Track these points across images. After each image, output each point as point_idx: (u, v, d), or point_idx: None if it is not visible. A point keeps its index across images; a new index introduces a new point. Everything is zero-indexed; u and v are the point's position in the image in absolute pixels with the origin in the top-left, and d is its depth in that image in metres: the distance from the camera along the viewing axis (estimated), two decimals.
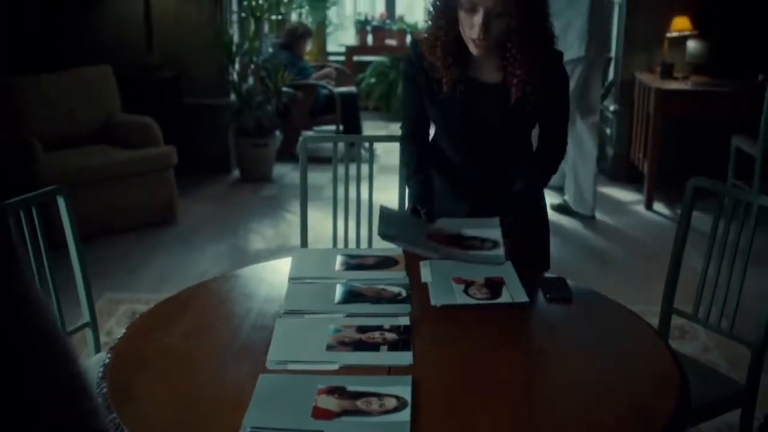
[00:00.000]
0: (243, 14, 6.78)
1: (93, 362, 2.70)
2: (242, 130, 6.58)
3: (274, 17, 7.06)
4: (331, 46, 9.10)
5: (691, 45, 6.24)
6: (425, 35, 2.42)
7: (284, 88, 6.63)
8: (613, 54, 6.75)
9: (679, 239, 2.79)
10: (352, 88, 7.61)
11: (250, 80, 6.70)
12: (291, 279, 2.47)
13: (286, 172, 6.88)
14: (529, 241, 2.60)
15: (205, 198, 6.15)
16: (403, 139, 2.69)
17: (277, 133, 6.97)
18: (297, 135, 7.29)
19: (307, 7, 8.18)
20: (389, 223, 2.49)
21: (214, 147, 6.64)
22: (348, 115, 7.15)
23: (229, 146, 6.72)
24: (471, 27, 2.28)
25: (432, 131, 2.70)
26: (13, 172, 4.86)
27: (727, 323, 2.67)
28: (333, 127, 7.36)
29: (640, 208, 6.01)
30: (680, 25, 6.17)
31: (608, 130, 6.91)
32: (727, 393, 2.56)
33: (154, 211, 5.48)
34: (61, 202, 2.64)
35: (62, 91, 5.57)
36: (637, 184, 6.43)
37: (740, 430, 2.45)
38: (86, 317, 2.73)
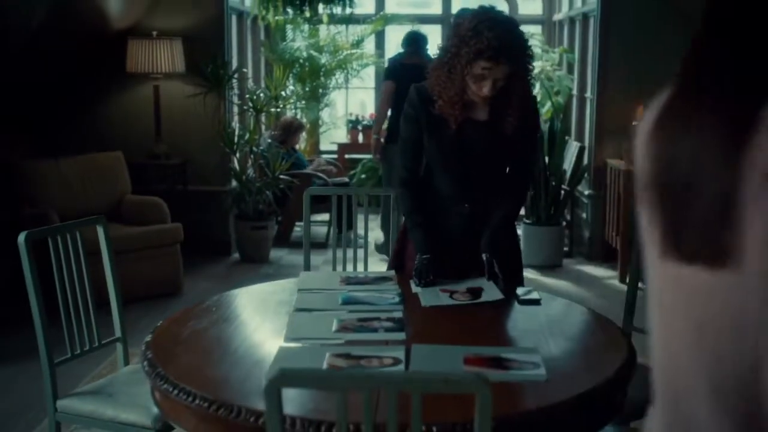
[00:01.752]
0: (245, 107, 7.33)
1: (123, 372, 3.07)
2: (242, 215, 7.03)
3: (273, 110, 7.61)
4: (324, 145, 9.67)
5: None
6: (437, 87, 2.88)
7: (282, 176, 7.11)
8: (586, 143, 7.31)
9: (634, 265, 3.21)
10: (344, 179, 8.12)
11: (250, 168, 7.19)
12: (300, 290, 2.88)
13: (283, 255, 7.29)
14: (504, 261, 3.01)
15: (208, 275, 6.54)
16: (404, 182, 3.10)
17: (276, 220, 7.41)
18: (293, 222, 7.74)
19: (302, 105, 8.77)
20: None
21: (215, 230, 7.07)
22: (341, 205, 7.59)
23: (230, 229, 7.15)
24: (480, 89, 2.78)
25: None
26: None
27: None
28: (327, 215, 7.79)
29: (614, 282, 6.43)
30: None
31: (584, 214, 7.40)
32: None
33: (161, 283, 5.86)
34: (100, 231, 3.06)
35: (78, 174, 6.04)
36: (612, 262, 6.85)
37: None
38: (118, 333, 3.11)
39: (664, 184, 0.97)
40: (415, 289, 2.87)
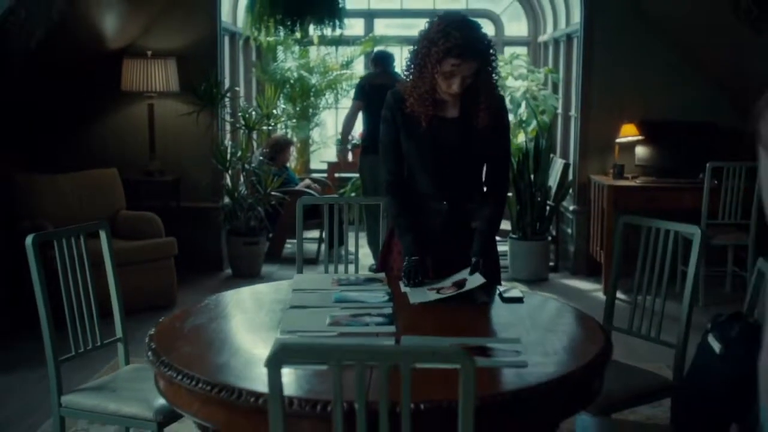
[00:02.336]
0: (237, 125, 7.49)
1: (124, 370, 3.20)
2: (234, 231, 7.16)
3: (264, 128, 7.76)
4: (314, 163, 9.82)
5: (639, 150, 6.99)
6: (409, 87, 3.05)
7: (273, 193, 7.25)
8: (571, 159, 7.49)
9: (615, 267, 3.37)
10: (334, 196, 8.27)
11: (242, 185, 7.33)
12: (294, 290, 3.02)
13: (274, 270, 7.41)
14: (487, 262, 3.16)
15: (201, 289, 6.64)
16: (389, 184, 3.25)
17: (267, 237, 7.54)
18: (284, 238, 7.88)
19: (293, 123, 8.94)
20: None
21: (208, 245, 7.19)
22: (332, 221, 7.73)
23: (222, 245, 7.27)
24: (449, 86, 2.97)
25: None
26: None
27: (654, 332, 3.23)
28: (317, 232, 7.93)
29: (599, 294, 6.58)
30: (628, 131, 6.93)
31: (569, 230, 7.56)
32: (661, 385, 3.09)
33: (156, 296, 5.97)
34: (102, 235, 3.20)
35: (75, 189, 6.17)
36: (597, 276, 7.01)
37: (671, 410, 2.93)
38: (119, 333, 3.24)
39: None
40: (404, 288, 3.01)
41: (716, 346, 2.39)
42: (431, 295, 2.89)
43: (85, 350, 3.08)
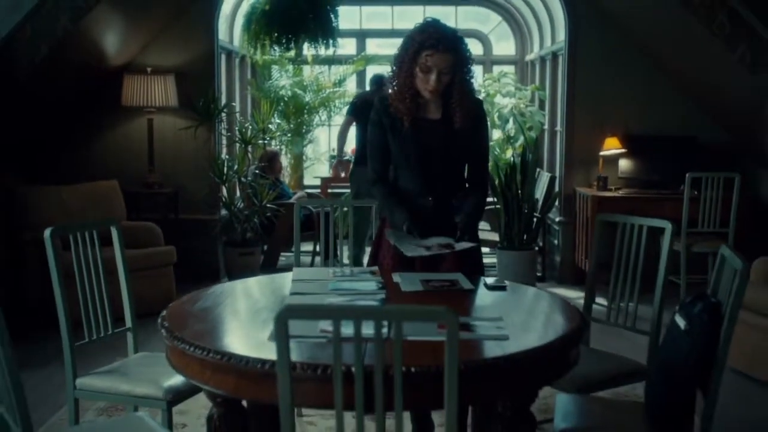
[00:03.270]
0: (235, 139, 7.72)
1: (134, 357, 3.40)
2: (230, 241, 7.37)
3: (260, 142, 8.00)
4: (308, 179, 10.04)
5: (622, 163, 7.25)
6: (392, 91, 3.30)
7: (268, 205, 7.48)
8: (557, 173, 7.74)
9: (594, 261, 3.61)
10: (327, 209, 8.48)
11: (238, 198, 7.55)
12: (294, 280, 3.24)
13: None
14: (470, 255, 3.38)
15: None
16: (375, 182, 3.51)
17: (261, 249, 7.76)
18: (279, 249, 8.09)
19: (288, 138, 9.18)
20: (397, 236, 3.31)
21: (205, 256, 7.40)
22: (327, 233, 7.95)
23: (219, 255, 7.48)
24: (427, 82, 3.22)
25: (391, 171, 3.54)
26: (39, 263, 5.57)
27: (630, 322, 3.47)
28: (310, 245, 8.14)
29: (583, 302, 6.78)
30: (611, 144, 7.19)
31: (555, 241, 7.80)
32: (635, 368, 3.32)
33: (155, 303, 6.13)
34: (114, 232, 3.42)
35: (77, 201, 6.38)
36: (582, 285, 7.21)
37: (645, 392, 3.11)
38: (129, 323, 3.45)
39: None
40: (396, 278, 3.23)
41: (682, 323, 2.61)
42: (422, 286, 3.10)
43: (98, 337, 3.29)
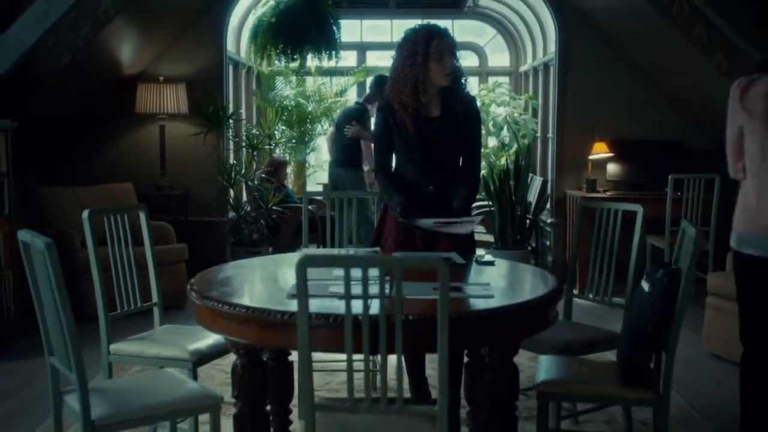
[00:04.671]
0: (242, 144, 8.12)
1: (159, 329, 3.78)
2: (238, 242, 7.75)
3: (266, 147, 8.39)
4: (310, 186, 10.42)
5: (610, 166, 7.64)
6: (396, 90, 3.69)
7: (274, 208, 7.85)
8: (549, 177, 8.13)
9: (576, 240, 3.99)
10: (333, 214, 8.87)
11: (245, 201, 7.94)
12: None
13: None
14: (465, 239, 3.76)
15: None
16: (377, 172, 3.89)
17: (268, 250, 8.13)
18: (284, 250, 8.45)
19: (292, 144, 9.57)
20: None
21: (214, 256, 7.74)
22: (332, 233, 8.31)
23: (227, 256, 7.85)
24: (444, 67, 3.63)
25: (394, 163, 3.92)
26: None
27: (607, 299, 3.85)
28: (314, 246, 8.51)
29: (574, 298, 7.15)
30: (599, 149, 7.59)
31: (547, 241, 8.18)
32: (610, 336, 3.69)
33: (168, 297, 6.48)
34: (141, 215, 3.80)
35: (94, 202, 6.73)
36: (573, 282, 7.59)
37: (618, 355, 3.47)
38: (155, 299, 3.82)
39: None
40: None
41: (646, 287, 2.99)
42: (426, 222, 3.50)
43: (128, 309, 3.66)
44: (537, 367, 3.29)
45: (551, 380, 3.08)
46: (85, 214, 3.49)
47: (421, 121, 3.73)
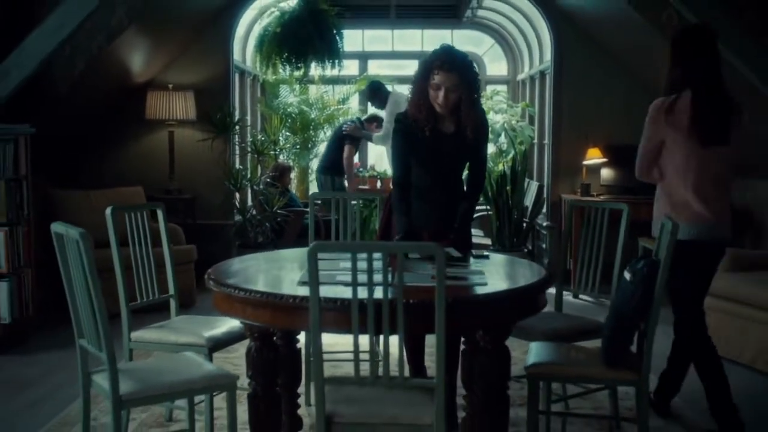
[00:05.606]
0: (248, 149, 8.40)
1: (176, 318, 4.03)
2: (244, 245, 8.01)
3: (271, 153, 8.67)
4: (313, 190, 10.68)
5: (604, 171, 7.91)
6: (412, 105, 3.91)
7: (278, 211, 8.11)
8: (545, 182, 8.40)
9: (566, 235, 4.25)
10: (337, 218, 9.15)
11: (250, 204, 8.20)
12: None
13: None
14: (463, 237, 4.01)
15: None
16: (396, 185, 4.03)
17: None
18: None
19: (296, 150, 9.84)
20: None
21: (221, 258, 7.98)
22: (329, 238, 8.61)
23: (233, 257, 8.10)
24: (437, 98, 3.80)
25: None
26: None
27: (594, 293, 4.11)
28: None
29: (569, 298, 7.41)
30: (594, 154, 7.86)
31: (543, 244, 8.44)
32: (597, 326, 3.94)
33: (179, 295, 6.78)
34: (159, 213, 4.07)
35: (106, 204, 6.89)
36: (568, 284, 7.85)
37: (602, 339, 3.72)
38: (172, 290, 4.08)
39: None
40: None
41: (628, 276, 3.25)
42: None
43: (147, 300, 3.93)
44: (528, 351, 3.55)
45: (541, 362, 3.33)
46: (108, 210, 3.75)
47: (437, 135, 3.90)
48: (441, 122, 3.93)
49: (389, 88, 8.49)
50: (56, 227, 3.05)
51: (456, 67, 3.76)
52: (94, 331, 2.98)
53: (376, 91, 8.31)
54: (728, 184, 4.15)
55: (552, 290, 4.08)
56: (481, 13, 9.74)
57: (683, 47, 4.07)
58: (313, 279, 2.57)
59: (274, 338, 3.31)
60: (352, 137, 8.87)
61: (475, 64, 3.93)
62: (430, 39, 10.48)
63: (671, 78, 4.11)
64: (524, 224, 8.12)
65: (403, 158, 4.00)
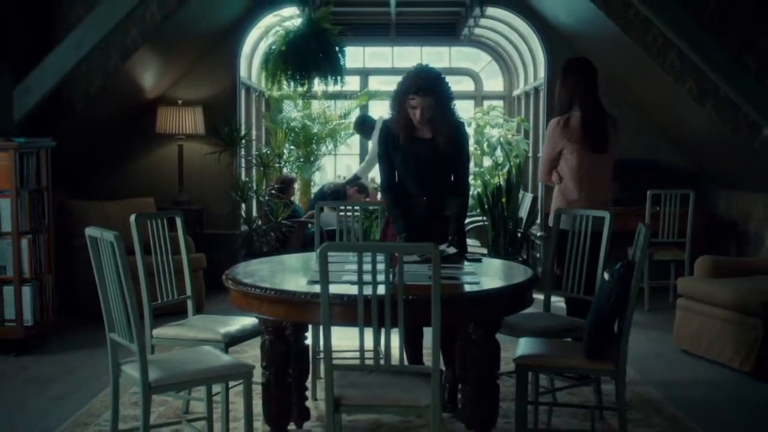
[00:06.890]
0: (254, 162, 8.74)
1: (193, 318, 4.37)
2: (250, 254, 8.33)
3: (276, 165, 9.02)
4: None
5: None
6: (394, 118, 4.29)
7: (283, 222, 8.44)
8: (539, 194, 8.73)
9: (554, 241, 4.59)
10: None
11: (256, 215, 8.54)
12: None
13: None
14: (459, 238, 4.35)
15: (221, 300, 7.79)
16: (385, 190, 4.46)
17: None
18: None
19: (300, 163, 10.19)
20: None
21: (227, 267, 8.31)
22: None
23: None
24: (414, 115, 4.21)
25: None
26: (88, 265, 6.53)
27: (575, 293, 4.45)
28: None
29: (560, 304, 7.73)
30: None
31: (537, 254, 8.77)
32: (582, 325, 4.27)
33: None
34: (178, 221, 4.40)
35: (119, 215, 7.34)
36: (559, 290, 8.17)
37: (584, 336, 4.05)
38: (189, 292, 4.42)
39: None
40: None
41: (606, 276, 3.59)
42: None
43: (167, 300, 4.26)
44: (517, 346, 3.88)
45: (528, 354, 3.66)
46: (133, 217, 4.09)
47: (414, 141, 4.31)
48: (418, 130, 4.32)
49: (375, 116, 8.98)
50: (91, 231, 3.39)
51: (430, 92, 4.18)
52: (125, 325, 3.31)
53: (361, 125, 8.86)
54: (610, 183, 5.20)
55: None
56: (477, 31, 10.09)
57: (570, 74, 4.97)
58: (323, 275, 2.91)
59: (286, 333, 3.65)
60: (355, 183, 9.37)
61: (446, 79, 4.33)
62: (428, 55, 10.83)
63: (561, 100, 5.09)
64: (519, 234, 8.45)
65: (387, 163, 4.41)
